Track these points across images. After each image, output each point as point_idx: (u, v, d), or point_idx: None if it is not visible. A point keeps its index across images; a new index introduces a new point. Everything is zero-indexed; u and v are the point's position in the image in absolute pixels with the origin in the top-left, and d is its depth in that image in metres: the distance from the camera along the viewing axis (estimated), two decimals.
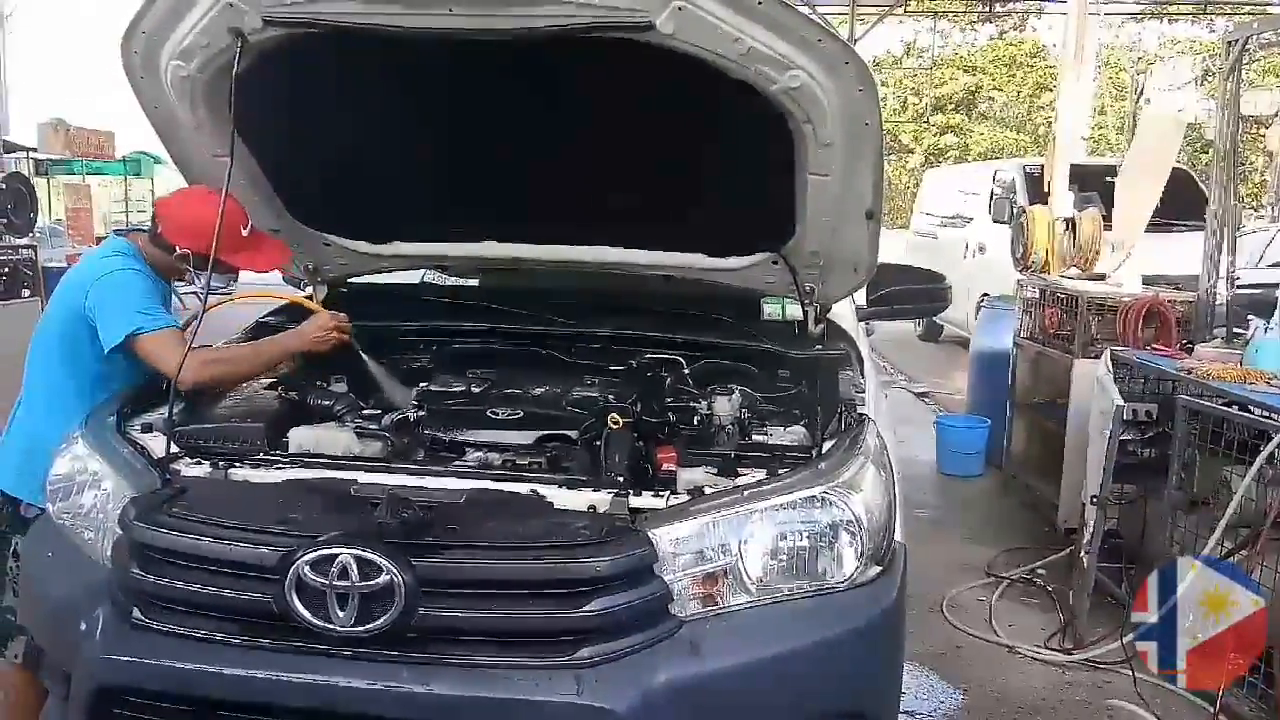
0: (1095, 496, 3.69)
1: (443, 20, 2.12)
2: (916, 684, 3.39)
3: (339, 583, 1.82)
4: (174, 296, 2.79)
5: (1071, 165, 7.47)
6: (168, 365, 2.47)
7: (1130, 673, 3.27)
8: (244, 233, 2.66)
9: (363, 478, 2.14)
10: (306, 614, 1.84)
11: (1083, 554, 3.78)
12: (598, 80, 2.35)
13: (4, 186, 7.63)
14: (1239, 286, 4.54)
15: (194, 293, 2.62)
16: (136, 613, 1.96)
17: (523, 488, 2.12)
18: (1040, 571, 4.36)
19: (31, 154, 15.12)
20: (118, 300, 2.53)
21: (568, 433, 2.48)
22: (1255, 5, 15.30)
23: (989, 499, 5.63)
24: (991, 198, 9.96)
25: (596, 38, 2.12)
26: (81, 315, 2.55)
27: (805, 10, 2.09)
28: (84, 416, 2.43)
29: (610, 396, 2.60)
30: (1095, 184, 7.26)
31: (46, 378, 2.64)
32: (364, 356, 2.76)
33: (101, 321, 2.52)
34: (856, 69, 2.15)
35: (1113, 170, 6.78)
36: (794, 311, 2.95)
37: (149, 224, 2.75)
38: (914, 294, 3.46)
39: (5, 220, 7.42)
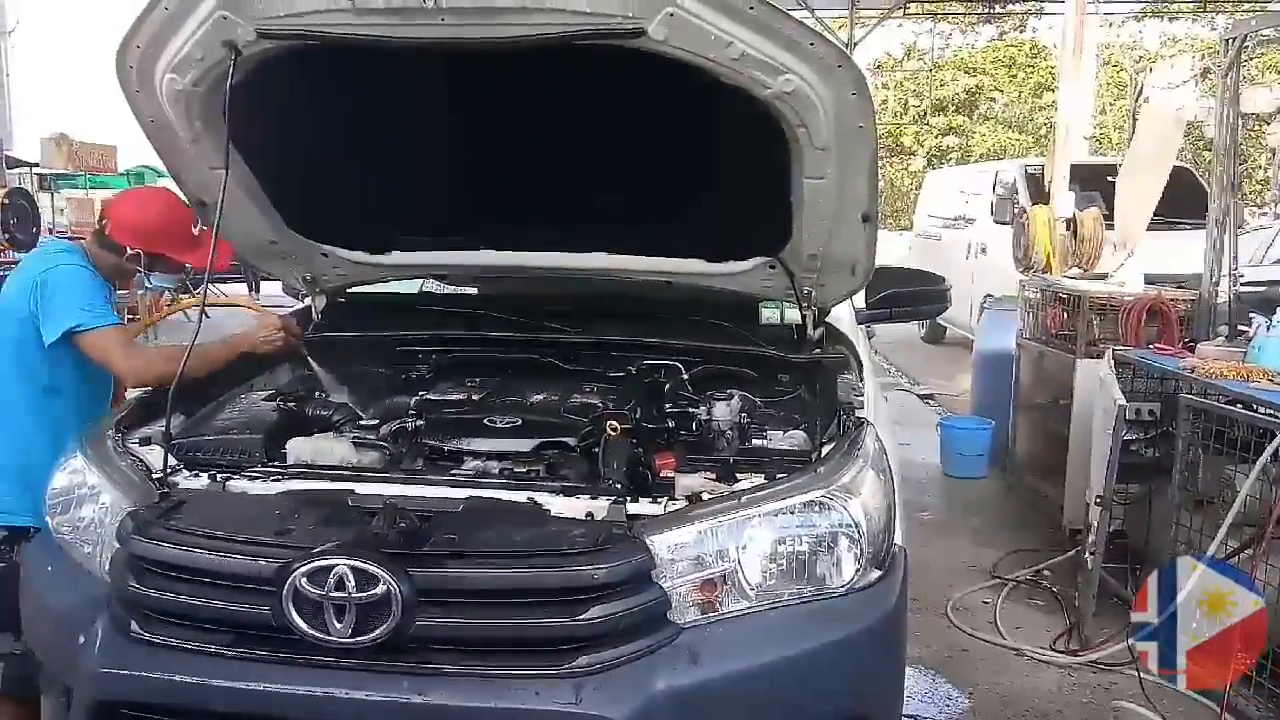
0: (1099, 497, 3.69)
1: (435, 31, 2.12)
2: (922, 687, 3.38)
3: (336, 594, 1.81)
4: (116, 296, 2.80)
5: (1072, 165, 7.46)
6: (114, 363, 2.53)
7: (1136, 673, 3.25)
8: (194, 231, 2.69)
9: (360, 488, 2.14)
10: (304, 625, 1.83)
11: (1088, 555, 3.77)
12: (592, 88, 2.34)
13: (7, 202, 7.70)
14: (1241, 284, 4.53)
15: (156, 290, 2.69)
16: (135, 626, 1.96)
17: (520, 496, 2.11)
18: (1045, 573, 4.34)
19: (34, 169, 15.21)
20: (62, 295, 2.52)
21: (566, 440, 2.47)
22: (1255, 1, 15.26)
23: (993, 501, 5.61)
24: (993, 198, 9.94)
25: (589, 45, 2.11)
26: (28, 317, 2.53)
27: (801, 14, 2.08)
28: (34, 430, 2.52)
29: (608, 403, 2.59)
30: (1097, 183, 7.26)
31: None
32: (312, 363, 2.85)
33: (44, 316, 2.52)
34: (849, 72, 2.14)
35: (1114, 169, 6.78)
36: (792, 315, 2.94)
37: (96, 226, 2.76)
38: (913, 296, 3.48)
39: (8, 235, 7.47)
